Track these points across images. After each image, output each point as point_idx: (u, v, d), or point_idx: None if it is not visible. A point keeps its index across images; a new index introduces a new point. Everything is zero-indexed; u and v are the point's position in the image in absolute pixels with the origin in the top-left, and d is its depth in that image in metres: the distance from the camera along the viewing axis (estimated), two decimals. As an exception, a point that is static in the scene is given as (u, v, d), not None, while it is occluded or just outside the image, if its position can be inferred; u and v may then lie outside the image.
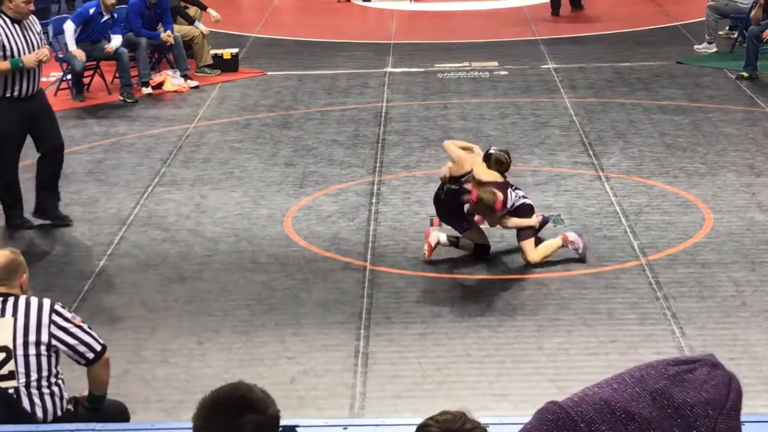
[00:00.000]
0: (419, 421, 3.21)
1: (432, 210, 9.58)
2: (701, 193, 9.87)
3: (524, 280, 8.21)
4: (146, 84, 14.10)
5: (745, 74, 14.01)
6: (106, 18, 13.53)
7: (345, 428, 4.39)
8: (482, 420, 4.97)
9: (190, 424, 2.96)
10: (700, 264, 8.35)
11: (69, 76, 13.76)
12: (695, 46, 15.77)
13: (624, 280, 8.13)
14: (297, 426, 4.15)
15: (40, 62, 8.98)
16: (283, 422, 4.50)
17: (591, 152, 11.10)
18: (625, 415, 1.45)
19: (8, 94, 8.98)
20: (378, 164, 10.99)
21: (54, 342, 5.16)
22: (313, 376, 6.81)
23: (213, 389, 2.96)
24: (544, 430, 1.45)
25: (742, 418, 5.00)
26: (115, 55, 13.60)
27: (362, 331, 7.39)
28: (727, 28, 16.41)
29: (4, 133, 9.04)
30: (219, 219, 9.56)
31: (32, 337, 5.13)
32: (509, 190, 8.32)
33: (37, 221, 9.45)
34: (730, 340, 7.14)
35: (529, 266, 8.37)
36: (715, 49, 15.57)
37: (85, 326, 5.23)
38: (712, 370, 1.50)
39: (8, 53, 8.89)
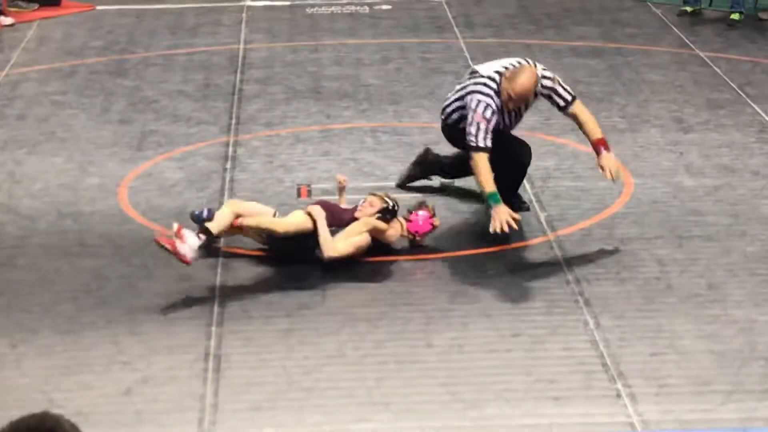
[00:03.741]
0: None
1: (299, 177, 9.56)
2: (620, 153, 9.96)
3: (409, 262, 8.22)
4: (-54, 22, 13.78)
5: (688, 9, 14.07)
6: None
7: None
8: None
9: None
10: (618, 240, 8.46)
11: None
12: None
13: (529, 260, 8.19)
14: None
15: None
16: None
17: (490, 104, 11.14)
18: None
19: None
20: (234, 121, 10.91)
21: None
22: (153, 385, 6.74)
23: (12, 420, 2.88)
24: None
25: None
26: None
27: (214, 328, 7.33)
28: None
29: None
30: (37, 191, 9.39)
31: None
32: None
33: None
34: (652, 332, 7.24)
35: (412, 247, 8.36)
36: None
37: None
38: None
39: None
